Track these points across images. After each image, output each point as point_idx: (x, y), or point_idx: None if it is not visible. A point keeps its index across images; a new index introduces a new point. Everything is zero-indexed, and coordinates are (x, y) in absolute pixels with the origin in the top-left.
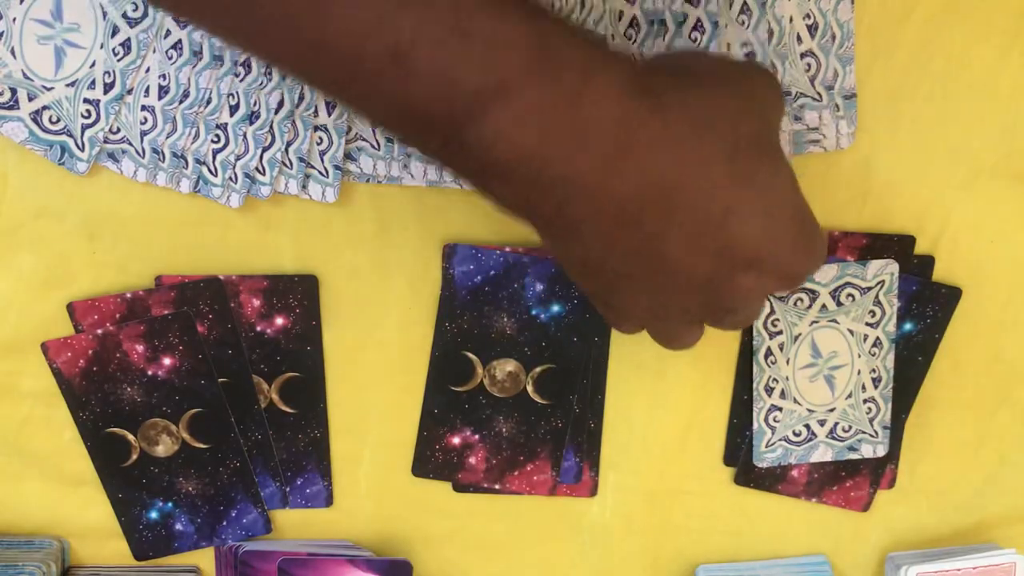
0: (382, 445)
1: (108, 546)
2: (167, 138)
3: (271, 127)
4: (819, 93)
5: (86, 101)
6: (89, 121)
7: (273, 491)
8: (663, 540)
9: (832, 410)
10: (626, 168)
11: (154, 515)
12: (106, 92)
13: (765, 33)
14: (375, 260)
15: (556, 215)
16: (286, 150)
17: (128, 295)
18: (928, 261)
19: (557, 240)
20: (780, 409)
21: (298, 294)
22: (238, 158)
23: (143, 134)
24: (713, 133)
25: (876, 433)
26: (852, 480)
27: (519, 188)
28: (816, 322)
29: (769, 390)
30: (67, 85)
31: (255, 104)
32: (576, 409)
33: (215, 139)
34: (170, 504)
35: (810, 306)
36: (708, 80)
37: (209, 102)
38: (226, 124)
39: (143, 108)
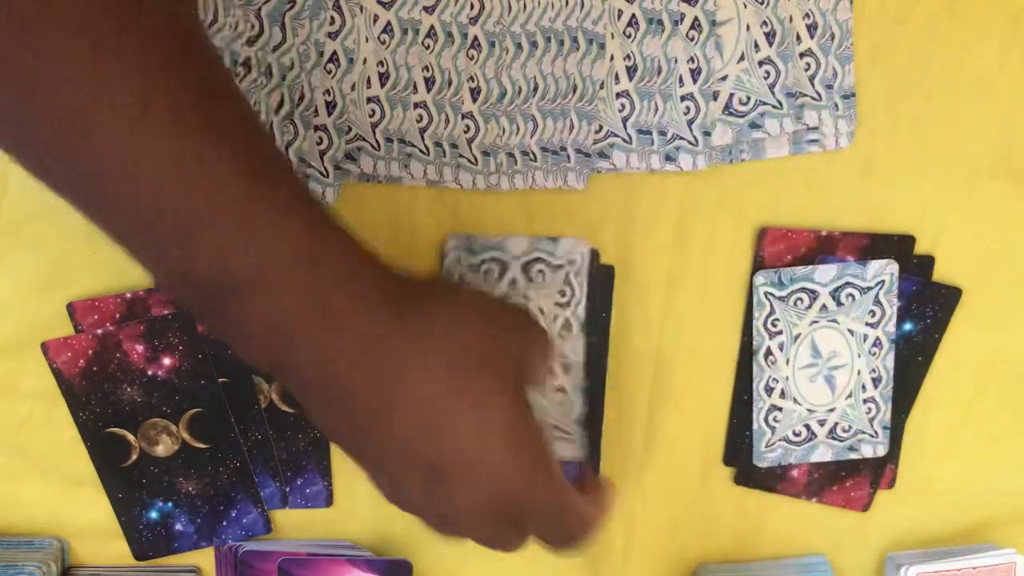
0: None
1: (108, 546)
2: None
3: (271, 127)
4: (819, 92)
5: None
6: None
7: (273, 491)
8: (663, 540)
9: (832, 410)
10: (364, 368)
11: (154, 515)
12: None
13: (763, 35)
14: None
15: (288, 382)
16: (286, 150)
17: (128, 295)
18: (928, 261)
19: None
20: (780, 409)
21: None
22: None
23: None
24: (441, 345)
25: (876, 433)
26: (852, 480)
27: (263, 359)
28: (816, 322)
29: (769, 390)
30: None
31: (255, 104)
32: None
33: None
34: (170, 504)
35: (810, 306)
36: (451, 297)
37: None
38: None
39: None
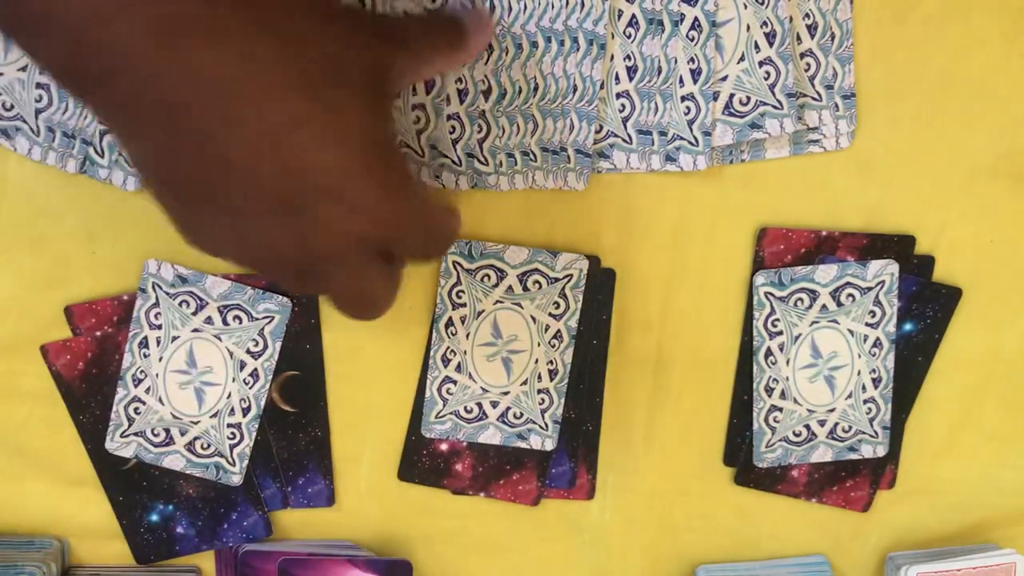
0: (382, 445)
1: (108, 546)
2: (61, 116)
3: None
4: (819, 93)
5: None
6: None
7: (274, 492)
8: (663, 540)
9: (832, 410)
10: (172, 54)
11: (155, 518)
12: None
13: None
14: None
15: (105, 93)
16: None
17: (125, 297)
18: (928, 261)
19: (121, 135)
20: (780, 409)
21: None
22: None
23: (38, 112)
24: (272, 37)
25: (876, 433)
26: (852, 480)
27: (64, 46)
28: (816, 322)
29: (769, 390)
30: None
31: None
32: (571, 415)
33: None
34: (171, 507)
35: (810, 306)
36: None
37: None
38: None
39: (38, 86)
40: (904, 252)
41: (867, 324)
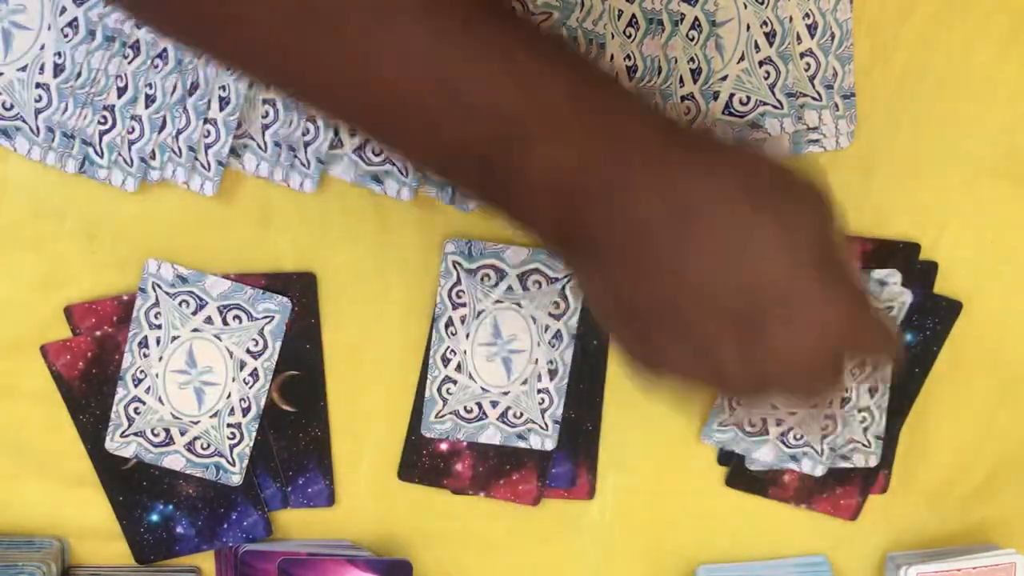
0: (382, 445)
1: (108, 546)
2: (60, 117)
3: (167, 110)
4: (819, 93)
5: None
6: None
7: (274, 492)
8: (663, 540)
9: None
10: (644, 188)
11: (155, 518)
12: None
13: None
14: (374, 258)
15: (576, 230)
16: (176, 136)
17: (124, 297)
18: (931, 267)
19: (580, 264)
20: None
21: (296, 292)
22: (132, 142)
23: (38, 112)
24: (729, 163)
25: (869, 443)
26: (842, 488)
27: (550, 204)
28: None
29: None
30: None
31: (151, 88)
32: (571, 415)
33: (102, 120)
34: (171, 507)
35: None
36: (735, 144)
37: (96, 82)
38: (113, 106)
39: (38, 86)
40: (908, 259)
41: None
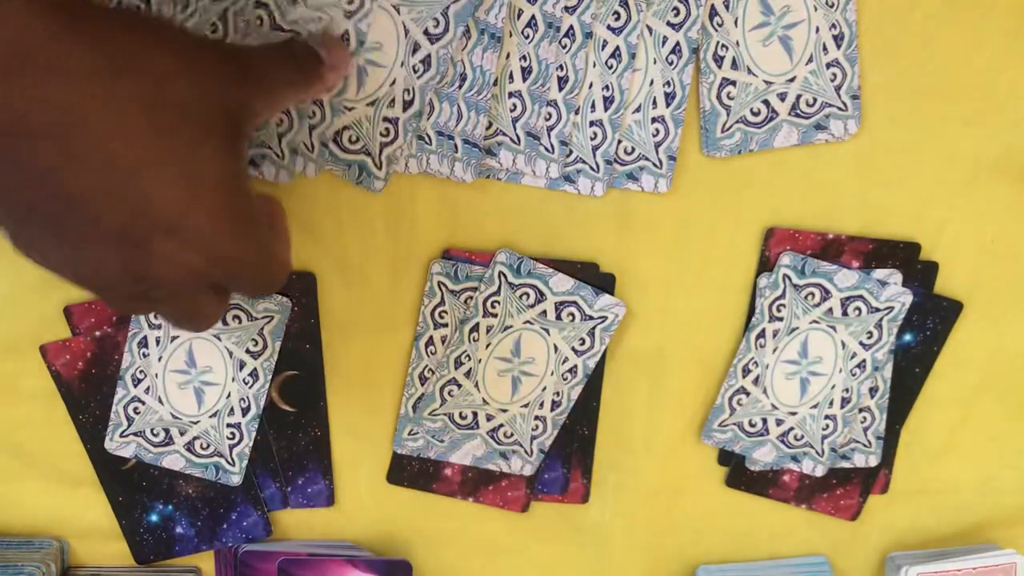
0: (382, 445)
1: (108, 546)
2: None
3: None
4: (844, 103)
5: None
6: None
7: (273, 492)
8: (663, 540)
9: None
10: (19, 84)
11: (154, 518)
12: None
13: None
14: (374, 258)
15: None
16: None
17: None
18: (932, 267)
19: None
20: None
21: (296, 292)
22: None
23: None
24: (130, 77)
25: (870, 443)
26: (843, 488)
27: None
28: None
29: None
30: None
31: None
32: (565, 420)
33: None
34: (170, 507)
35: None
36: (141, 29)
37: None
38: None
39: None
40: (909, 258)
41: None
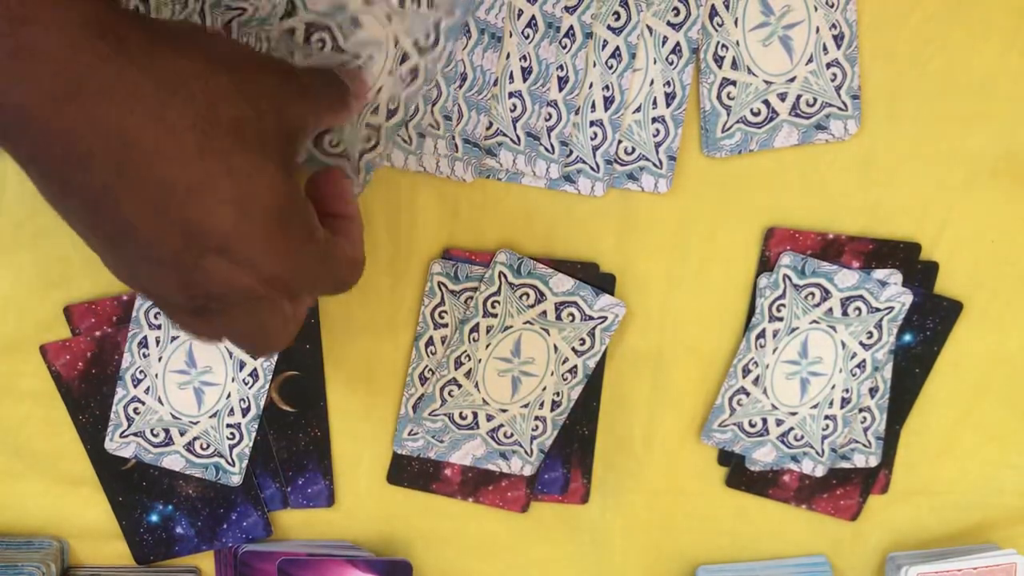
0: (382, 445)
1: (108, 546)
2: None
3: None
4: (844, 103)
5: None
6: None
7: (273, 492)
8: (663, 540)
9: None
10: (72, 109)
11: (154, 518)
12: None
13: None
14: (374, 258)
15: (12, 151)
16: None
17: (124, 297)
18: (932, 267)
19: (33, 180)
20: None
21: None
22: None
23: None
24: (182, 99)
25: (869, 443)
26: (843, 488)
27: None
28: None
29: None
30: None
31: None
32: (565, 420)
33: None
34: (170, 507)
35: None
36: (194, 48)
37: None
38: None
39: None
40: (909, 259)
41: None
